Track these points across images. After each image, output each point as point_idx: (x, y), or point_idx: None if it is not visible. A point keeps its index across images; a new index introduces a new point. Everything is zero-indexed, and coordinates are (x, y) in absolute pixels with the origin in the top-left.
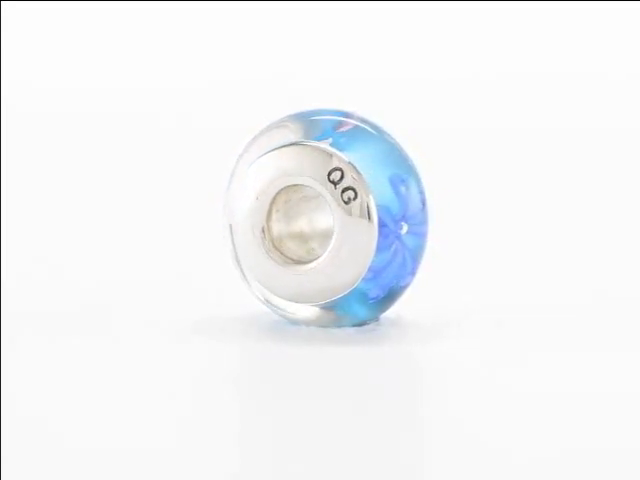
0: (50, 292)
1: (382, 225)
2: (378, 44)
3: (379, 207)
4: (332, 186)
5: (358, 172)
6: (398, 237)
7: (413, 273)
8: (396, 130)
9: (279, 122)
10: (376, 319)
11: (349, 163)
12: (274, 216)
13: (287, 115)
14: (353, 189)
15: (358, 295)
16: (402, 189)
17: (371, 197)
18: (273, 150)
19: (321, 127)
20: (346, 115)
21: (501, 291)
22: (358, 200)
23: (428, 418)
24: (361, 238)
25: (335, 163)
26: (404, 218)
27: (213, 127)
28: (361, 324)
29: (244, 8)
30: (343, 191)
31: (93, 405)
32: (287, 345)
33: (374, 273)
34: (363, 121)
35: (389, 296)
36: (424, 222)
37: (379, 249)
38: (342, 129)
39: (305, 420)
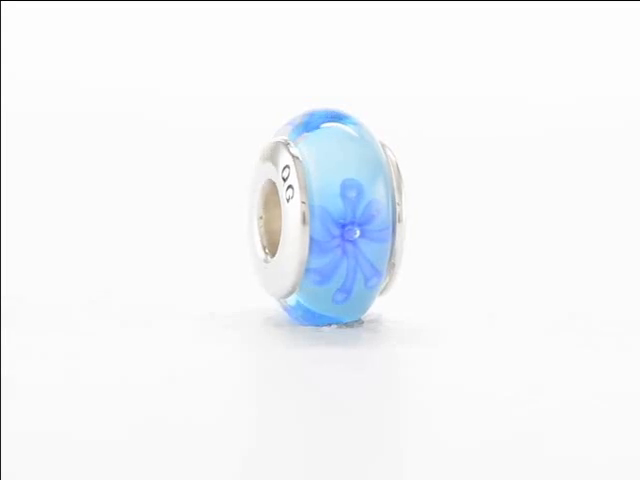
0: (55, 291)
1: (323, 227)
2: (378, 48)
3: (320, 209)
4: (283, 183)
5: (303, 171)
6: (349, 241)
7: (378, 275)
8: (395, 132)
9: (297, 116)
10: (359, 321)
11: (300, 161)
12: (275, 211)
13: (308, 109)
14: (293, 188)
15: (322, 297)
16: (352, 194)
17: (307, 198)
18: (267, 144)
19: (309, 123)
20: (351, 120)
21: (484, 294)
22: (294, 199)
23: (409, 420)
24: (295, 238)
25: (286, 160)
26: (354, 223)
27: (215, 127)
28: (342, 325)
29: (248, 8)
30: (287, 189)
31: (95, 404)
32: (271, 345)
33: (321, 276)
34: (355, 124)
35: (359, 298)
36: (386, 228)
37: (321, 251)
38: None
39: (286, 420)
